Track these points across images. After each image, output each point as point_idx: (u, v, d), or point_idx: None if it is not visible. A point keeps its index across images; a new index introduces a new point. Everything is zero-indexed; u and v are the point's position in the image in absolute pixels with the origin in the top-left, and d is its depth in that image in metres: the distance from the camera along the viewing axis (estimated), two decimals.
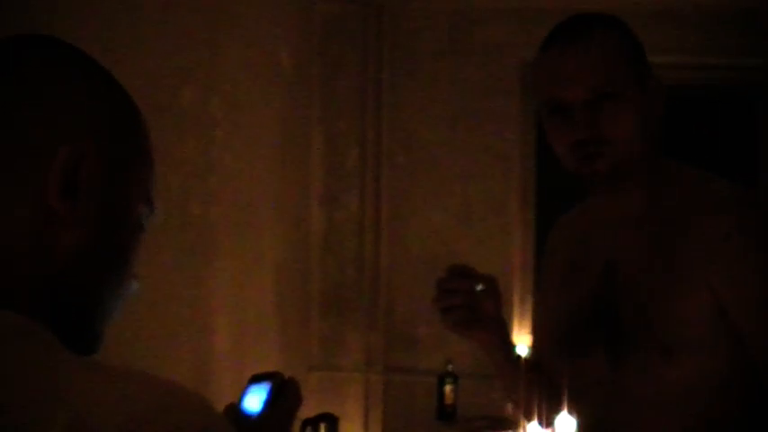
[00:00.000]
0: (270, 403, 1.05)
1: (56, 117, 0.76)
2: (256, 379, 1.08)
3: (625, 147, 1.46)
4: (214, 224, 2.83)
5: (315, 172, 4.19)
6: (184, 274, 2.58)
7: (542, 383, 1.77)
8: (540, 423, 1.72)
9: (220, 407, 1.04)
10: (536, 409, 1.74)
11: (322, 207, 4.22)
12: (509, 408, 3.47)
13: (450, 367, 3.78)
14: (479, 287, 1.57)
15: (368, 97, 4.18)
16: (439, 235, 4.17)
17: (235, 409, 1.06)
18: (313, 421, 3.56)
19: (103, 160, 0.78)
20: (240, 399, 1.06)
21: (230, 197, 2.98)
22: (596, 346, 1.58)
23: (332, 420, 3.70)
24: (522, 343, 4.19)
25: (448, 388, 3.74)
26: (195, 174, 2.66)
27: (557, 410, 1.70)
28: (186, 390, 0.70)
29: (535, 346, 1.77)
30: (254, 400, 1.05)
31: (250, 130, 3.21)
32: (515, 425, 3.36)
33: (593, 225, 1.66)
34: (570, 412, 3.42)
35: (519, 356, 1.82)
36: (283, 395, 1.07)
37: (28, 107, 0.76)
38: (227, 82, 2.92)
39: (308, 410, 3.53)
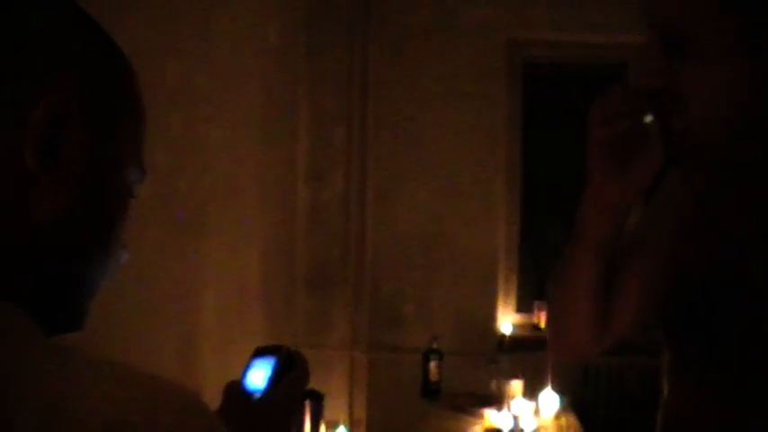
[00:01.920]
0: (275, 380, 0.95)
1: (36, 66, 0.67)
2: (260, 352, 0.98)
3: (706, 118, 1.10)
4: (200, 200, 2.82)
5: (301, 149, 4.18)
6: (170, 250, 2.58)
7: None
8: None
9: (206, 383, 1.00)
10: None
11: (308, 184, 4.22)
12: (493, 385, 3.50)
13: (434, 344, 3.80)
14: (648, 118, 1.15)
15: (354, 75, 4.17)
16: (425, 213, 4.18)
17: (236, 388, 0.95)
18: None
19: (89, 117, 0.68)
20: (242, 375, 0.96)
21: (216, 173, 2.97)
22: (690, 335, 1.23)
23: (317, 397, 3.71)
24: (507, 322, 4.22)
25: (432, 365, 3.75)
26: (181, 149, 2.65)
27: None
28: (175, 387, 0.62)
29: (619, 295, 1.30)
30: (258, 377, 0.95)
31: (236, 107, 3.20)
32: (499, 402, 3.39)
33: (708, 193, 1.27)
34: (554, 388, 3.44)
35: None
36: (291, 372, 0.96)
37: (3, 54, 0.66)
38: (213, 58, 2.90)
39: None
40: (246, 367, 0.97)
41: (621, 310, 1.29)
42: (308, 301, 4.24)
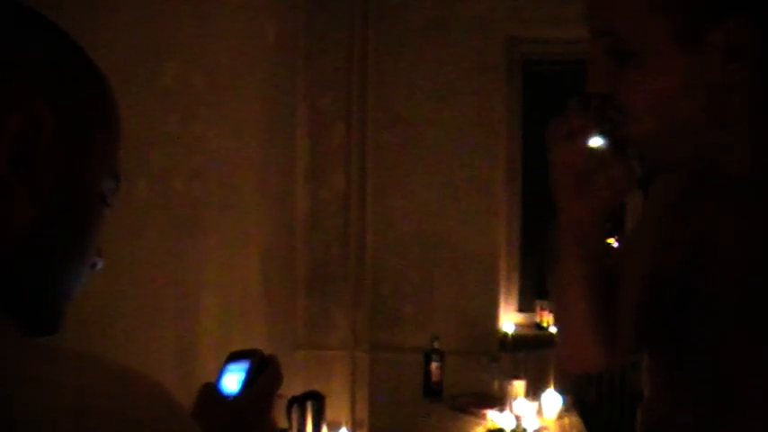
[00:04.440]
0: (249, 383, 0.98)
1: (8, 80, 0.69)
2: (234, 357, 1.01)
3: (652, 119, 1.08)
4: (198, 201, 2.80)
5: (300, 149, 4.16)
6: (169, 252, 2.56)
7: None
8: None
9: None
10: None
11: (307, 184, 4.20)
12: (495, 385, 3.48)
13: (435, 344, 3.77)
14: (598, 140, 1.13)
15: (353, 73, 4.15)
16: (425, 212, 4.16)
17: (212, 390, 0.99)
18: (299, 399, 3.56)
19: (63, 129, 0.71)
20: (218, 378, 1.00)
21: (214, 174, 2.95)
22: (665, 339, 1.21)
23: (318, 398, 3.69)
24: (509, 321, 4.19)
25: (434, 365, 3.73)
26: (178, 150, 2.62)
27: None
28: (140, 376, 0.65)
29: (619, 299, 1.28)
30: (233, 380, 0.99)
31: (234, 107, 3.17)
32: (502, 402, 3.36)
33: (679, 196, 1.25)
34: (557, 388, 3.42)
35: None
36: (263, 375, 0.99)
37: None
38: (210, 57, 2.88)
39: (294, 389, 3.52)
40: (221, 372, 1.00)
41: (622, 325, 1.27)
42: (309, 301, 4.22)
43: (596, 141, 1.12)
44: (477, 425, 3.28)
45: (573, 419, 3.33)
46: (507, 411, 3.28)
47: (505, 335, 4.10)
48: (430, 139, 4.14)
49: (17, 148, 0.68)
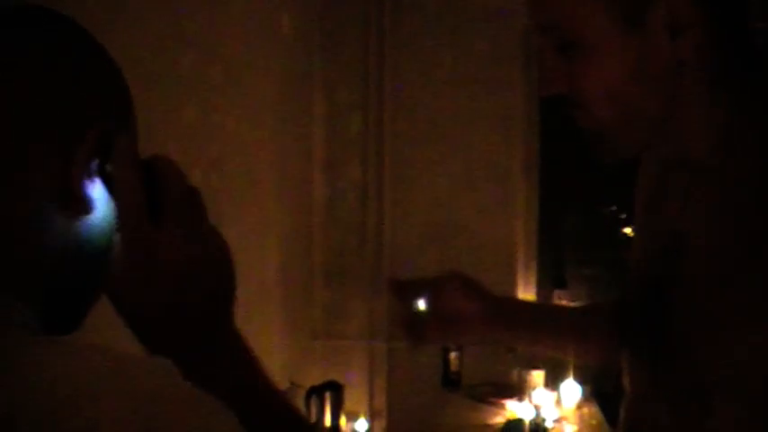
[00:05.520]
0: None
1: (9, 80, 0.70)
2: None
3: (610, 107, 1.07)
4: (215, 192, 2.80)
5: (317, 139, 4.16)
6: None
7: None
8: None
9: None
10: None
11: (324, 175, 4.20)
12: (514, 375, 3.47)
13: None
14: (418, 307, 1.35)
15: (370, 63, 4.14)
16: (442, 203, 4.15)
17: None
18: (318, 390, 3.57)
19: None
20: None
21: (232, 165, 2.95)
22: (643, 333, 1.22)
23: (337, 388, 3.70)
24: None
25: (453, 355, 3.73)
26: (196, 141, 2.63)
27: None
28: (149, 366, 0.66)
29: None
30: None
31: (251, 97, 3.17)
32: (520, 392, 3.36)
33: (656, 184, 1.25)
34: (576, 378, 3.41)
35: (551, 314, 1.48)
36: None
37: (37, 89, 0.70)
38: (227, 48, 2.88)
39: (312, 379, 3.52)
40: None
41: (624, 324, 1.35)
42: (326, 291, 4.22)
43: (420, 305, 1.37)
44: (496, 415, 3.28)
45: (592, 409, 3.32)
46: (526, 401, 3.28)
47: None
48: (447, 129, 4.13)
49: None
